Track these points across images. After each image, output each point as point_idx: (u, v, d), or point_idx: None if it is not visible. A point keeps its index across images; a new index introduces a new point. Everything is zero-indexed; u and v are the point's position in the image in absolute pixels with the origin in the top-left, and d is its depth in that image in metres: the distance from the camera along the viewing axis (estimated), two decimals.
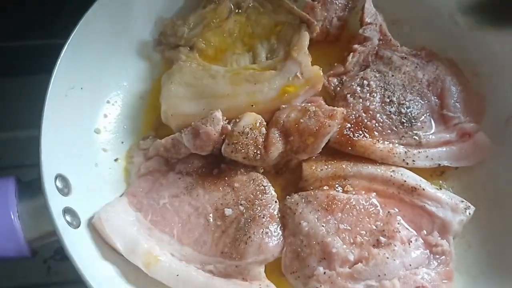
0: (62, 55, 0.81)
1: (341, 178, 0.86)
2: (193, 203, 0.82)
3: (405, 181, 0.85)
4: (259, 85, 0.88)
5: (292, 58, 0.90)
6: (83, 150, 0.85)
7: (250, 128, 0.86)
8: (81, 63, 0.86)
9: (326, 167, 0.88)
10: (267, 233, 0.80)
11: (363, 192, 0.85)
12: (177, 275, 0.74)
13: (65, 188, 0.76)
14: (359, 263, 0.77)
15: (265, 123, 0.88)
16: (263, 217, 0.81)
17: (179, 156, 0.88)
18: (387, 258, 0.77)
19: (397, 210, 0.83)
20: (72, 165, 0.80)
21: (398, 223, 0.81)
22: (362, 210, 0.82)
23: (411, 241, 0.79)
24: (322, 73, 0.90)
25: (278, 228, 0.81)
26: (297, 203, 0.83)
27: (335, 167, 0.87)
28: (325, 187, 0.86)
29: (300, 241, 0.79)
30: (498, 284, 0.80)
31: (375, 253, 0.77)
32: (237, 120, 0.87)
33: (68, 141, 0.82)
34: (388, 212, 0.83)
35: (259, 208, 0.82)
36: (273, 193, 0.86)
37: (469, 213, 0.83)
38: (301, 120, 0.86)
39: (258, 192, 0.84)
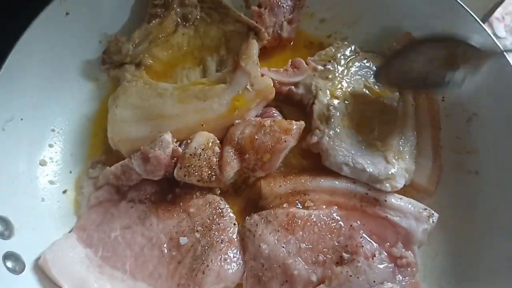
0: None
1: (301, 194, 0.83)
2: (146, 233, 0.79)
3: (367, 193, 0.82)
4: (209, 102, 0.84)
5: (241, 69, 0.85)
6: (27, 186, 0.80)
7: (203, 149, 0.82)
8: (18, 92, 0.82)
9: (284, 183, 0.84)
10: (225, 259, 0.77)
11: (324, 206, 0.82)
12: None
13: (5, 231, 0.72)
14: (322, 284, 0.74)
15: (218, 141, 0.85)
16: (221, 243, 0.78)
17: (131, 183, 0.84)
18: (350, 276, 0.75)
19: (359, 223, 0.81)
20: (14, 204, 0.76)
21: (361, 237, 0.79)
22: (324, 226, 0.80)
23: (374, 255, 0.77)
24: (272, 84, 0.86)
25: (238, 252, 0.78)
26: (257, 224, 0.80)
27: (294, 182, 0.84)
28: (285, 205, 0.83)
29: (261, 265, 0.76)
30: None
31: (338, 272, 0.75)
32: (189, 141, 0.83)
33: (7, 179, 0.77)
34: (351, 225, 0.80)
35: (216, 233, 0.79)
36: (231, 215, 0.83)
37: (433, 221, 0.80)
38: (256, 137, 0.82)
39: (215, 216, 0.81)
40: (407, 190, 0.86)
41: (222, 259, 0.76)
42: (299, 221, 0.80)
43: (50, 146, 0.87)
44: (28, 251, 0.73)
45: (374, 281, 0.75)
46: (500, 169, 0.82)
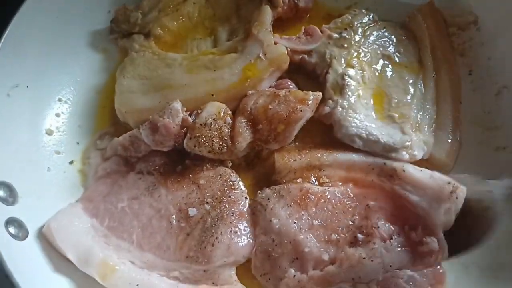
0: None
1: (316, 169, 0.79)
2: (155, 204, 0.75)
3: (385, 163, 0.76)
4: (219, 72, 0.81)
5: (253, 37, 0.82)
6: (32, 154, 0.78)
7: (214, 119, 0.79)
8: (23, 59, 0.80)
9: (300, 157, 0.80)
10: (236, 232, 0.73)
11: (340, 183, 0.78)
12: (137, 285, 0.68)
13: (9, 197, 0.69)
14: (332, 265, 0.69)
15: (230, 112, 0.81)
16: (232, 215, 0.75)
17: (139, 154, 0.81)
18: (364, 258, 0.68)
19: (376, 202, 0.74)
20: (19, 171, 0.74)
21: (378, 218, 0.72)
22: (338, 204, 0.75)
23: (392, 238, 0.70)
24: (287, 52, 0.82)
25: (249, 226, 0.75)
26: (269, 198, 0.76)
27: (309, 156, 0.80)
28: (299, 180, 0.78)
29: (272, 240, 0.72)
30: (491, 273, 0.72)
31: (351, 253, 0.69)
32: (199, 111, 0.80)
33: (13, 145, 0.75)
34: (367, 205, 0.74)
35: (227, 205, 0.75)
36: (243, 188, 0.79)
37: (457, 197, 0.72)
38: (270, 106, 0.79)
39: (226, 188, 0.77)
40: (425, 165, 0.79)
41: (232, 231, 0.73)
42: (313, 197, 0.75)
43: (57, 115, 0.85)
44: (32, 219, 0.70)
45: (391, 266, 0.68)
46: None
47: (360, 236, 0.71)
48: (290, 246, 0.71)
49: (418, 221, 0.71)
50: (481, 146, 0.82)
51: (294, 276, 0.69)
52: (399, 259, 0.68)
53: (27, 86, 0.80)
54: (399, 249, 0.69)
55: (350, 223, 0.72)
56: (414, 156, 0.78)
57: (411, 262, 0.69)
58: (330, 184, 0.77)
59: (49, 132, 0.82)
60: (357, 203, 0.74)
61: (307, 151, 0.81)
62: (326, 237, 0.72)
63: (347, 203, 0.75)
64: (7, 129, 0.74)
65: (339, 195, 0.75)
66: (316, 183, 0.78)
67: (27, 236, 0.68)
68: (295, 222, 0.72)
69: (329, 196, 0.75)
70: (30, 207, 0.71)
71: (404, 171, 0.74)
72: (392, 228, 0.71)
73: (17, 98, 0.77)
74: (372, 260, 0.68)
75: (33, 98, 0.81)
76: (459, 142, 0.83)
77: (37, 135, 0.81)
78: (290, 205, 0.74)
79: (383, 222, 0.71)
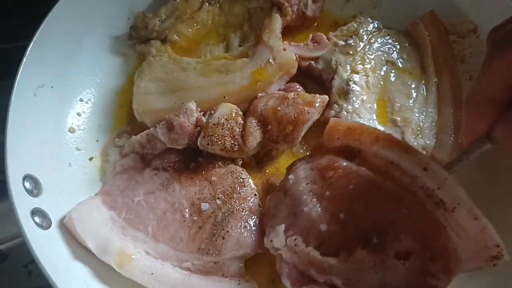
0: (27, 53, 0.79)
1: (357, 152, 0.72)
2: (169, 199, 0.80)
3: (438, 188, 0.63)
4: (231, 75, 0.85)
5: (263, 43, 0.86)
6: (55, 150, 0.83)
7: (226, 119, 0.83)
8: (49, 61, 0.85)
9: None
10: (246, 227, 0.77)
11: (373, 171, 0.68)
12: (152, 273, 0.71)
13: (34, 189, 0.73)
14: (334, 257, 0.63)
15: (241, 113, 0.85)
16: (242, 211, 0.78)
17: (155, 151, 0.85)
18: (370, 267, 0.61)
19: (409, 211, 0.63)
20: (44, 165, 0.78)
21: (405, 229, 0.62)
22: (364, 191, 0.66)
23: (408, 259, 0.61)
24: (295, 58, 0.87)
25: (258, 222, 0.78)
26: (300, 162, 0.76)
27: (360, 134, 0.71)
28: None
29: (283, 195, 0.73)
30: (494, 279, 0.74)
31: (361, 258, 0.62)
32: (212, 112, 0.84)
33: (38, 141, 0.80)
34: (397, 208, 0.63)
35: (237, 201, 0.79)
36: (253, 186, 0.83)
37: (495, 265, 0.62)
38: (279, 108, 0.83)
39: (236, 185, 0.81)
40: None
41: (242, 226, 0.76)
42: (339, 170, 0.69)
43: (78, 114, 0.90)
44: (55, 210, 0.75)
45: (390, 284, 0.61)
46: None
47: (375, 239, 0.62)
48: (293, 201, 0.69)
49: (444, 256, 0.62)
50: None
51: (286, 238, 0.66)
52: (402, 281, 0.61)
53: (52, 87, 0.85)
54: (408, 273, 0.60)
55: (370, 219, 0.63)
56: None
57: (409, 286, 0.61)
58: (364, 169, 0.69)
59: (72, 130, 0.87)
60: (387, 202, 0.64)
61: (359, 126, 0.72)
62: (333, 213, 0.65)
63: (374, 194, 0.65)
64: (34, 126, 0.79)
65: (369, 183, 0.66)
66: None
67: (50, 226, 0.72)
68: (307, 183, 0.71)
69: (355, 179, 0.67)
70: (53, 199, 0.75)
71: (453, 211, 0.62)
72: (414, 248, 0.61)
73: (43, 98, 0.82)
74: (376, 272, 0.61)
75: (57, 98, 0.86)
76: (461, 144, 0.86)
77: (60, 133, 0.86)
78: (312, 169, 0.72)
79: (408, 236, 0.61)
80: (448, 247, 0.62)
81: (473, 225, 0.62)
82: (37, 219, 0.70)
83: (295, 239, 0.66)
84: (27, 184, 0.72)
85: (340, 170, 0.70)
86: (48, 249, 0.68)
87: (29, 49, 0.80)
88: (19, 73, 0.77)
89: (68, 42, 0.88)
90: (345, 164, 0.71)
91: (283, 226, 0.69)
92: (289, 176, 0.74)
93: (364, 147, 0.71)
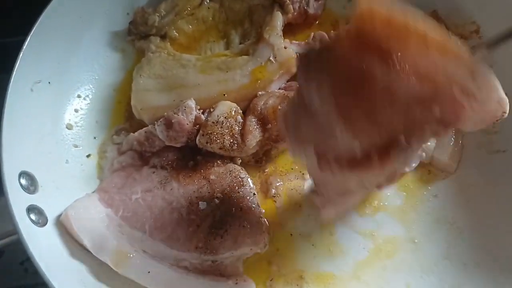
0: (24, 48, 0.78)
1: None
2: (167, 197, 0.79)
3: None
4: (231, 73, 0.85)
5: (264, 41, 0.86)
6: (52, 147, 0.82)
7: (225, 117, 0.82)
8: (47, 56, 0.84)
9: None
10: (244, 226, 0.76)
11: None
12: (149, 272, 0.71)
13: (30, 186, 0.73)
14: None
15: (241, 111, 0.85)
16: (240, 210, 0.78)
17: (154, 149, 0.85)
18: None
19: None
20: (40, 162, 0.77)
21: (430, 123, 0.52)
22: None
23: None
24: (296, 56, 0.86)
25: (256, 221, 0.77)
26: None
27: None
28: None
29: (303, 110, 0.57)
30: (490, 272, 0.75)
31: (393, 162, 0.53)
32: (211, 110, 0.84)
33: (35, 138, 0.79)
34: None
35: (236, 200, 0.79)
36: (251, 185, 0.82)
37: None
38: (279, 107, 0.82)
39: (235, 184, 0.81)
40: (428, 168, 0.84)
41: (240, 225, 0.76)
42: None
43: (76, 111, 0.89)
44: (51, 207, 0.74)
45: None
46: None
47: (403, 140, 0.51)
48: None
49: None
50: (481, 149, 0.85)
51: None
52: None
53: (49, 82, 0.84)
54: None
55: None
56: (407, 170, 0.81)
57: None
58: None
59: (69, 127, 0.86)
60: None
61: None
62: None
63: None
64: (30, 122, 0.78)
65: None
66: None
67: (46, 223, 0.72)
68: None
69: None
70: (49, 196, 0.75)
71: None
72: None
73: (40, 94, 0.81)
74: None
75: (54, 94, 0.85)
76: (462, 145, 0.86)
77: (57, 129, 0.85)
78: None
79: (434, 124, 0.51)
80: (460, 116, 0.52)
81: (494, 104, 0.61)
82: (33, 216, 0.69)
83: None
84: (23, 181, 0.71)
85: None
86: (44, 247, 0.67)
87: (26, 43, 0.79)
88: (16, 68, 0.76)
89: (66, 37, 0.87)
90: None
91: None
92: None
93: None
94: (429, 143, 0.83)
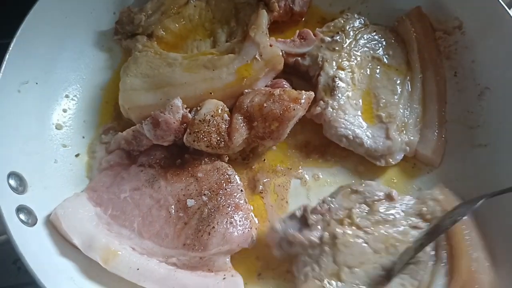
0: (10, 49, 0.78)
1: None
2: (155, 195, 0.80)
3: None
4: (217, 71, 0.85)
5: (250, 39, 0.86)
6: (40, 147, 0.83)
7: (212, 115, 0.83)
8: (33, 57, 0.84)
9: None
10: (231, 222, 0.77)
11: None
12: (138, 269, 0.72)
13: (19, 186, 0.74)
14: None
15: (227, 109, 0.86)
16: (228, 207, 0.79)
17: (141, 148, 0.86)
18: None
19: None
20: (29, 162, 0.78)
21: None
22: None
23: None
24: (281, 54, 0.87)
25: (244, 217, 0.79)
26: None
27: None
28: None
29: None
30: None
31: None
32: (198, 108, 0.85)
33: (23, 138, 0.79)
34: None
35: (223, 197, 0.80)
36: (239, 182, 0.83)
37: None
38: (265, 105, 0.83)
39: (222, 181, 0.82)
40: (412, 162, 0.86)
41: (228, 222, 0.77)
42: None
43: (64, 111, 0.90)
44: (40, 207, 0.75)
45: None
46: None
47: None
48: None
49: None
50: (464, 144, 0.87)
51: None
52: None
53: (36, 83, 0.85)
54: None
55: None
56: (390, 163, 0.84)
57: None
58: None
59: (58, 127, 0.87)
60: None
61: None
62: None
63: None
64: (18, 123, 0.79)
65: None
66: None
67: (35, 223, 0.73)
68: None
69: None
70: (38, 196, 0.76)
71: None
72: None
73: (27, 94, 0.82)
74: None
75: (41, 94, 0.85)
76: (445, 140, 0.87)
77: (45, 129, 0.85)
78: None
79: None
80: None
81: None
82: (22, 216, 0.70)
83: None
84: (12, 182, 0.72)
85: None
86: (34, 246, 0.69)
87: (12, 45, 0.79)
88: (2, 70, 0.77)
89: (52, 38, 0.88)
90: None
91: None
92: None
93: None
94: (412, 137, 0.85)
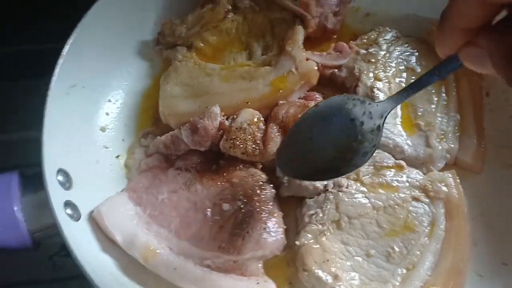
0: (63, 54, 0.83)
1: None
2: (191, 198, 0.83)
3: None
4: (254, 82, 0.89)
5: (286, 53, 0.90)
6: (85, 147, 0.87)
7: (248, 124, 0.87)
8: (82, 62, 0.89)
9: None
10: (265, 229, 0.79)
11: None
12: (175, 269, 0.75)
13: (66, 182, 0.77)
14: None
15: (262, 118, 0.89)
16: (262, 213, 0.81)
17: (179, 152, 0.89)
18: None
19: None
20: (74, 161, 0.82)
21: None
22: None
23: None
24: (317, 67, 0.91)
25: (277, 224, 0.81)
26: None
27: None
28: None
29: None
30: (505, 283, 0.77)
31: None
32: (235, 116, 0.88)
33: (70, 138, 0.84)
34: None
35: (258, 204, 0.82)
36: (273, 190, 0.85)
37: None
38: (299, 116, 0.86)
39: (257, 188, 0.84)
40: (453, 169, 0.87)
41: (262, 228, 0.79)
42: None
43: (107, 114, 0.94)
44: (84, 204, 0.78)
45: None
46: None
47: None
48: None
49: None
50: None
51: None
52: None
53: (83, 86, 0.89)
54: None
55: None
56: (433, 170, 0.86)
57: None
58: None
59: (102, 129, 0.92)
60: None
61: None
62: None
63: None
64: (66, 123, 0.83)
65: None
66: None
67: (79, 218, 0.76)
68: None
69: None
70: (82, 194, 0.79)
71: None
72: None
73: (75, 97, 0.86)
74: None
75: (87, 98, 0.90)
76: (485, 147, 0.89)
77: (90, 131, 0.90)
78: None
79: None
80: None
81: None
82: (69, 210, 0.74)
83: None
84: (60, 178, 0.76)
85: None
86: (79, 240, 0.72)
87: (65, 49, 0.84)
88: (56, 73, 0.81)
89: (100, 45, 0.93)
90: None
91: None
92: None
93: None
94: (452, 145, 0.87)
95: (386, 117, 0.67)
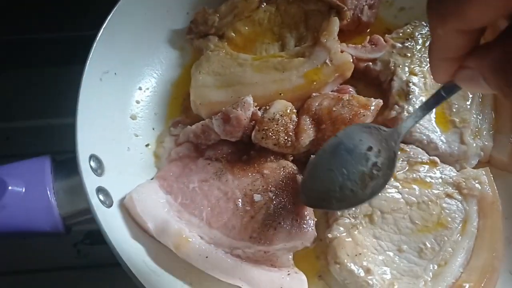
0: (97, 40, 0.83)
1: None
2: (222, 188, 0.82)
3: None
4: (287, 73, 0.88)
5: (321, 44, 0.89)
6: (116, 134, 0.86)
7: (281, 115, 0.85)
8: (114, 49, 0.88)
9: None
10: (296, 220, 0.78)
11: None
12: (206, 257, 0.74)
13: (98, 168, 0.77)
14: None
15: (295, 110, 0.88)
16: (293, 205, 0.80)
17: (209, 142, 0.88)
18: None
19: None
20: (106, 147, 0.81)
21: None
22: None
23: None
24: (352, 59, 0.89)
25: (308, 216, 0.80)
26: None
27: None
28: None
29: None
30: None
31: None
32: (267, 107, 0.87)
33: (102, 125, 0.83)
34: None
35: (289, 195, 0.81)
36: None
37: None
38: (334, 109, 0.85)
39: (288, 180, 0.83)
40: (486, 167, 0.85)
41: (293, 219, 0.78)
42: None
43: (137, 102, 0.94)
44: (115, 190, 0.78)
45: None
46: None
47: None
48: None
49: None
50: None
51: None
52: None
53: (115, 73, 0.89)
54: None
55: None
56: (466, 167, 0.84)
57: None
58: None
59: (133, 117, 0.92)
60: None
61: None
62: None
63: None
64: (99, 109, 0.83)
65: None
66: None
67: (111, 205, 0.76)
68: None
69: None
70: (113, 180, 0.79)
71: None
72: None
73: (107, 83, 0.86)
74: None
75: (119, 85, 0.90)
76: None
77: (121, 118, 0.89)
78: None
79: None
80: None
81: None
82: (101, 196, 0.73)
83: None
84: (93, 164, 0.76)
85: None
86: (112, 226, 0.71)
87: (99, 36, 0.83)
88: (89, 59, 0.81)
89: (132, 33, 0.92)
90: None
91: None
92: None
93: None
94: (486, 143, 0.85)
95: (399, 142, 0.68)
